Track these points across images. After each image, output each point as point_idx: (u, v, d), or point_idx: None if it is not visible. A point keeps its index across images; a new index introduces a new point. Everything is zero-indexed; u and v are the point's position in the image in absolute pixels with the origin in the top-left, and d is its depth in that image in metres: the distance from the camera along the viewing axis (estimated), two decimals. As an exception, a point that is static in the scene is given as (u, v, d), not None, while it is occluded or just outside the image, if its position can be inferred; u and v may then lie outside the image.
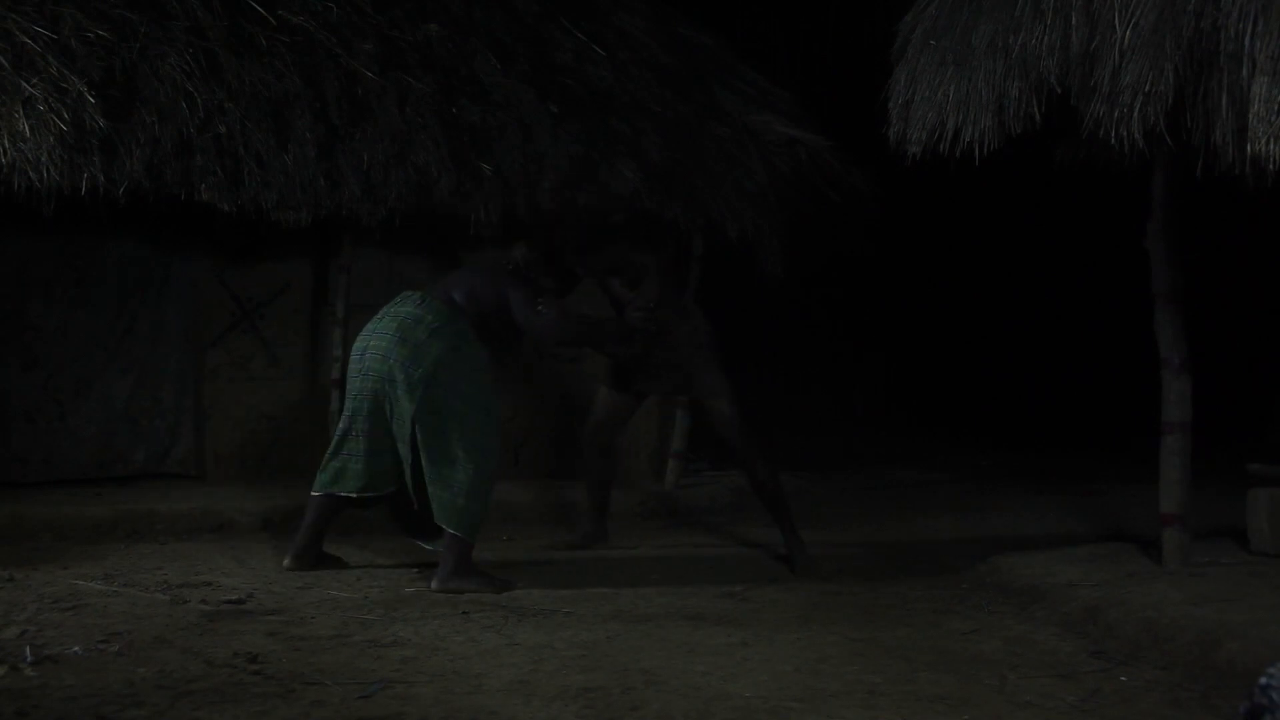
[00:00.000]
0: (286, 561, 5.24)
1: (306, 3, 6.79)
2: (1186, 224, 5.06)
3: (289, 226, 6.35)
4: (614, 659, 4.03)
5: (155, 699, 3.50)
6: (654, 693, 3.67)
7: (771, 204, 7.20)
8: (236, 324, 7.09)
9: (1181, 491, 4.98)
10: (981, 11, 4.84)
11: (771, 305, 9.31)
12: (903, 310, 10.93)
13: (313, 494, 5.23)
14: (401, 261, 7.20)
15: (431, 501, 4.94)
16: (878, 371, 10.92)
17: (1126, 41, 4.23)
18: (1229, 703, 3.60)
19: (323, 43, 6.68)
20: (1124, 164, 4.77)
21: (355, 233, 6.74)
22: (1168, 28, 4.13)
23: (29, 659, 3.81)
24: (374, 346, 5.05)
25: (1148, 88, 4.16)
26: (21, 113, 5.67)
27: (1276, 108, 3.86)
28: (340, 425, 5.19)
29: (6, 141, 5.61)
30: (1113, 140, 4.32)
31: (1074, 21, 4.45)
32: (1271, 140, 3.87)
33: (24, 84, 5.75)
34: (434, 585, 4.93)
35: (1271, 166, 3.93)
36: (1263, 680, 2.54)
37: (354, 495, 5.15)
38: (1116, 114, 4.26)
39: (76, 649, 3.96)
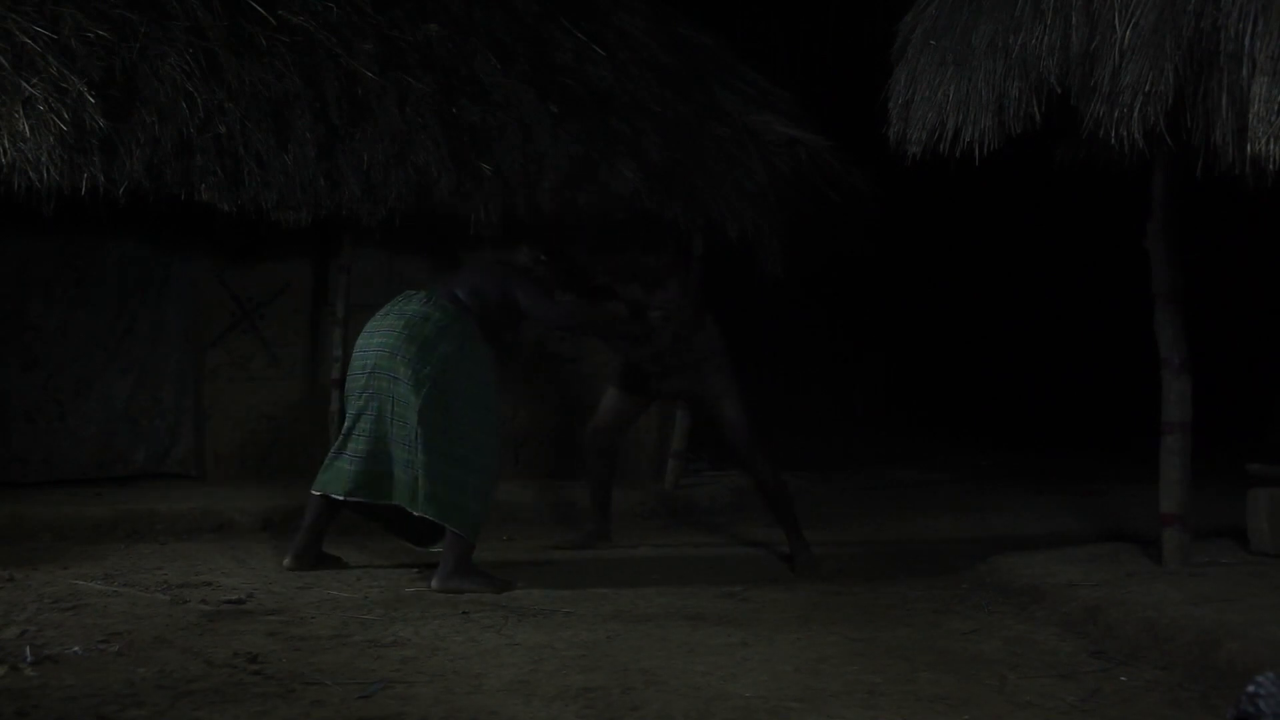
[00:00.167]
0: (287, 561, 5.23)
1: (306, 3, 6.80)
2: (1186, 224, 5.06)
3: (289, 226, 6.36)
4: (614, 659, 4.03)
5: (155, 699, 3.50)
6: (654, 693, 3.68)
7: (771, 204, 7.20)
8: (236, 324, 7.10)
9: (1181, 491, 4.98)
10: (981, 11, 4.84)
11: (771, 305, 9.30)
12: (903, 310, 10.93)
13: (312, 493, 5.23)
14: (401, 261, 7.20)
15: (431, 501, 4.93)
16: (878, 371, 10.92)
17: (1126, 41, 4.23)
18: (1229, 703, 3.60)
19: (323, 43, 6.69)
20: (1124, 164, 4.77)
21: (355, 233, 6.74)
22: (1168, 28, 4.13)
23: (29, 659, 3.81)
24: (379, 344, 5.04)
25: (1148, 88, 4.16)
26: (21, 113, 5.68)
27: (1276, 108, 3.85)
28: (345, 424, 5.16)
29: (6, 141, 5.62)
30: (1113, 140, 4.32)
31: (1074, 21, 4.45)
32: (1271, 140, 3.87)
33: (24, 84, 5.75)
34: (434, 585, 4.93)
35: (1271, 166, 3.93)
36: (1250, 688, 2.54)
37: (341, 498, 5.12)
38: (1116, 114, 4.25)
39: (76, 649, 3.96)
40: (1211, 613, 4.26)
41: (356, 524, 5.79)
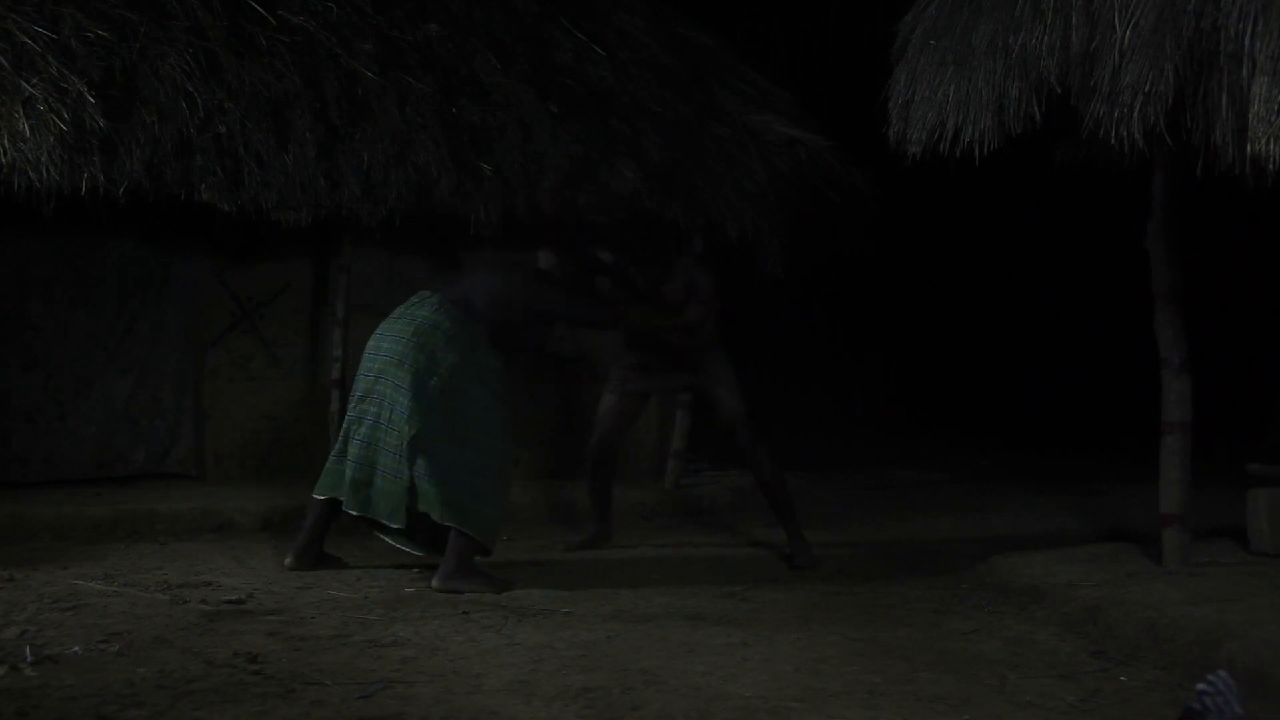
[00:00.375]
0: (288, 561, 5.23)
1: (306, 3, 6.80)
2: (1186, 224, 5.06)
3: (289, 226, 6.36)
4: (614, 659, 4.03)
5: (155, 699, 3.50)
6: (654, 693, 3.67)
7: (771, 204, 7.20)
8: (236, 324, 7.10)
9: (1181, 491, 4.98)
10: (981, 11, 4.84)
11: (771, 305, 9.30)
12: (903, 310, 10.93)
13: (313, 495, 5.23)
14: (401, 261, 7.20)
15: (434, 505, 4.91)
16: (878, 371, 10.92)
17: (1126, 41, 4.23)
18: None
19: (323, 43, 6.69)
20: (1124, 164, 4.76)
21: (355, 233, 6.74)
22: (1168, 28, 4.13)
23: (29, 659, 3.81)
24: (388, 349, 5.03)
25: (1148, 88, 4.16)
26: (21, 113, 5.68)
27: (1276, 108, 3.85)
28: (344, 425, 5.16)
29: (6, 141, 5.62)
30: (1113, 140, 4.32)
31: (1074, 21, 4.44)
32: (1271, 140, 3.86)
33: (24, 84, 5.75)
34: (434, 584, 4.93)
35: (1271, 166, 3.93)
36: (1201, 686, 2.55)
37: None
38: (1116, 114, 4.25)
39: (76, 649, 3.96)
40: (1211, 613, 4.26)
41: (356, 524, 5.79)
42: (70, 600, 4.63)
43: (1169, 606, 4.39)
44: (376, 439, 5.00)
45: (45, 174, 5.72)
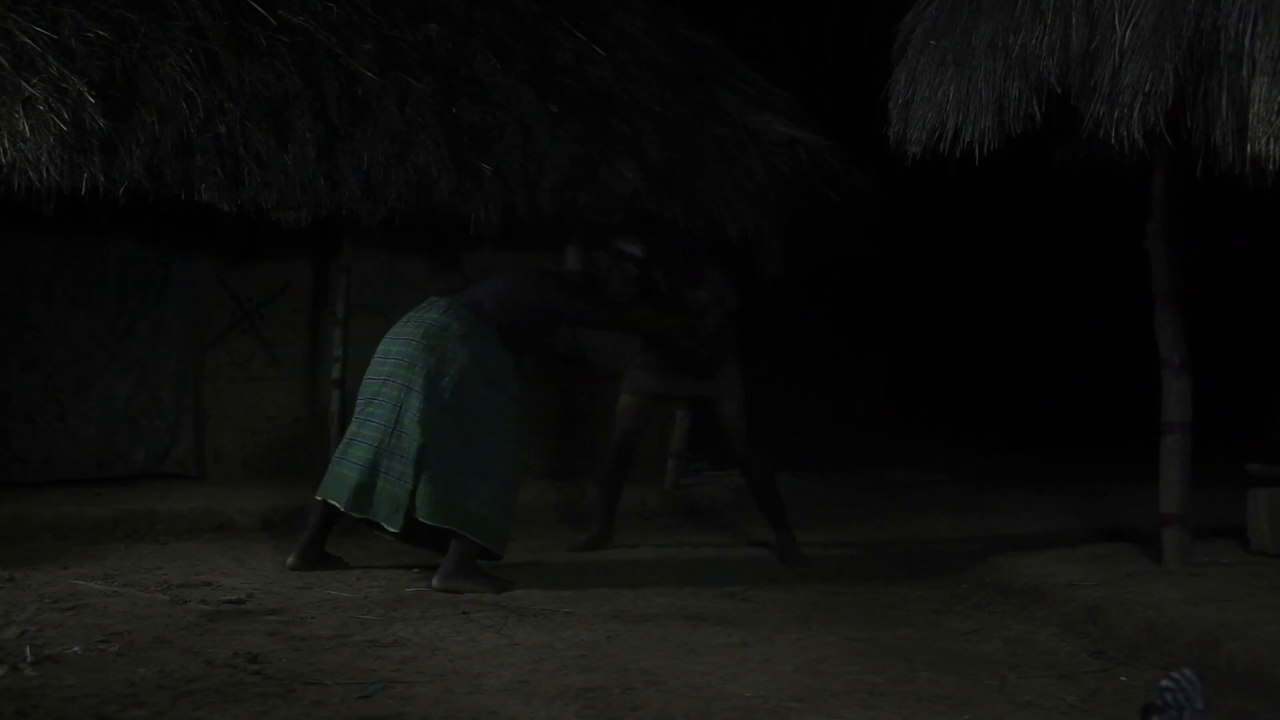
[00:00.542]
0: (290, 560, 5.23)
1: (306, 3, 6.80)
2: (1186, 224, 5.06)
3: (289, 226, 6.36)
4: (614, 659, 4.03)
5: (155, 699, 3.50)
6: (654, 693, 3.67)
7: (771, 204, 7.20)
8: (236, 324, 7.10)
9: (1181, 491, 4.98)
10: (981, 11, 4.84)
11: (771, 305, 9.30)
12: (903, 310, 10.93)
13: (315, 496, 5.23)
14: (401, 261, 7.20)
15: (435, 510, 4.90)
16: (878, 371, 10.92)
17: (1126, 41, 4.23)
18: (1229, 703, 3.60)
19: (323, 43, 6.69)
20: (1124, 164, 4.77)
21: (355, 233, 6.74)
22: (1168, 28, 4.13)
23: (29, 659, 3.81)
24: (398, 351, 5.03)
25: (1148, 88, 4.16)
26: (21, 113, 5.68)
27: (1276, 108, 3.85)
28: (351, 427, 5.14)
29: (6, 141, 5.62)
30: (1113, 140, 4.32)
31: (1074, 21, 4.44)
32: (1271, 140, 3.87)
33: (24, 84, 5.75)
34: (434, 584, 4.92)
35: (1271, 166, 3.93)
36: (1165, 682, 2.57)
37: (342, 509, 5.09)
38: (1116, 114, 4.25)
39: (76, 649, 3.96)
40: (1211, 613, 4.26)
41: (357, 524, 5.79)
42: (70, 600, 4.63)
43: (1169, 606, 4.39)
44: (382, 442, 4.98)
45: (45, 174, 5.71)
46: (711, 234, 7.08)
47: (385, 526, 5.03)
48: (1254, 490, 5.26)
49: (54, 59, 5.91)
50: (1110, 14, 4.30)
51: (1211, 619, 4.18)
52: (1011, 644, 4.35)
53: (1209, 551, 5.20)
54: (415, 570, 5.27)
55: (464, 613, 4.61)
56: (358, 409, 5.13)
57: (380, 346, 5.15)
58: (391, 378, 5.00)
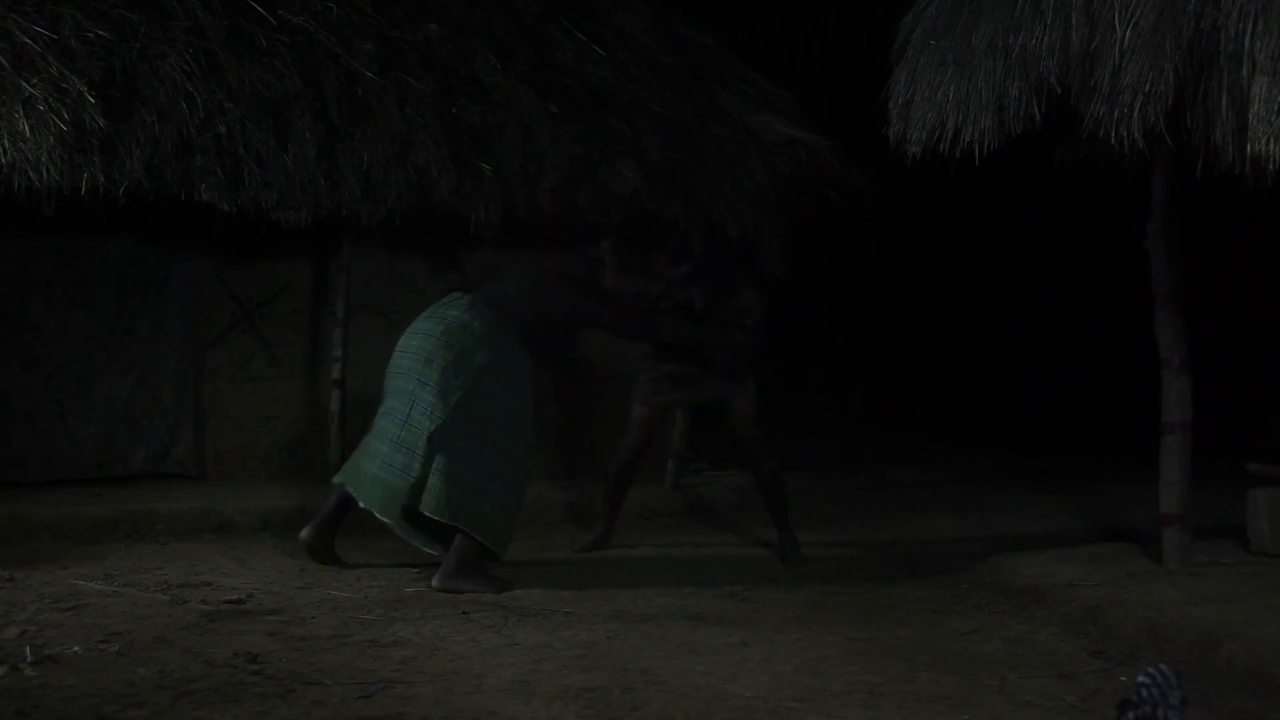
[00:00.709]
0: (304, 533, 5.28)
1: (306, 3, 6.80)
2: (1186, 224, 5.06)
3: (289, 226, 6.36)
4: (614, 659, 4.03)
5: (155, 699, 3.50)
6: (654, 693, 3.68)
7: (771, 204, 7.20)
8: (236, 324, 7.09)
9: (1181, 491, 4.98)
10: (981, 11, 4.84)
11: (771, 305, 9.29)
12: (903, 310, 10.93)
13: (334, 481, 5.29)
14: (401, 261, 7.20)
15: (442, 505, 4.90)
16: (878, 371, 10.91)
17: (1126, 41, 4.23)
18: (1229, 703, 3.61)
19: (323, 43, 6.69)
20: (1124, 164, 4.77)
21: (355, 233, 6.74)
22: (1168, 28, 4.13)
23: (29, 659, 3.81)
24: (416, 346, 5.05)
25: (1148, 88, 4.16)
26: (21, 113, 5.68)
27: (1276, 108, 3.85)
28: (375, 420, 5.16)
29: (6, 141, 5.62)
30: (1113, 140, 4.32)
31: (1074, 21, 4.45)
32: (1271, 140, 3.87)
33: (24, 84, 5.75)
34: (435, 583, 4.93)
35: (1271, 166, 3.93)
36: (1141, 678, 2.57)
37: (337, 480, 5.15)
38: (1116, 114, 4.25)
39: (76, 649, 3.96)
40: (1211, 613, 4.26)
41: (356, 524, 5.79)
42: (70, 600, 4.64)
43: (1169, 606, 4.39)
44: (394, 434, 5.00)
45: (45, 174, 5.71)
46: (711, 234, 7.08)
47: (380, 517, 5.03)
48: (1254, 490, 5.26)
49: (54, 59, 5.91)
50: (1110, 14, 4.30)
51: (1211, 619, 4.18)
52: (1011, 644, 4.35)
53: (1209, 551, 5.20)
54: (415, 570, 5.27)
55: (464, 613, 4.61)
56: (383, 402, 5.17)
57: (401, 340, 5.17)
58: (409, 372, 5.02)
